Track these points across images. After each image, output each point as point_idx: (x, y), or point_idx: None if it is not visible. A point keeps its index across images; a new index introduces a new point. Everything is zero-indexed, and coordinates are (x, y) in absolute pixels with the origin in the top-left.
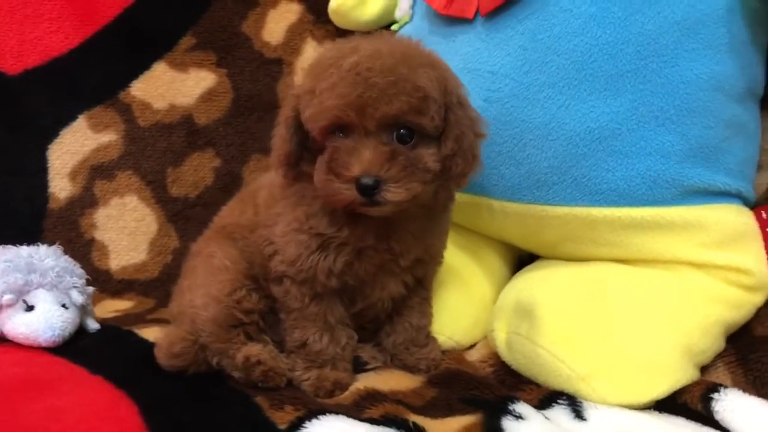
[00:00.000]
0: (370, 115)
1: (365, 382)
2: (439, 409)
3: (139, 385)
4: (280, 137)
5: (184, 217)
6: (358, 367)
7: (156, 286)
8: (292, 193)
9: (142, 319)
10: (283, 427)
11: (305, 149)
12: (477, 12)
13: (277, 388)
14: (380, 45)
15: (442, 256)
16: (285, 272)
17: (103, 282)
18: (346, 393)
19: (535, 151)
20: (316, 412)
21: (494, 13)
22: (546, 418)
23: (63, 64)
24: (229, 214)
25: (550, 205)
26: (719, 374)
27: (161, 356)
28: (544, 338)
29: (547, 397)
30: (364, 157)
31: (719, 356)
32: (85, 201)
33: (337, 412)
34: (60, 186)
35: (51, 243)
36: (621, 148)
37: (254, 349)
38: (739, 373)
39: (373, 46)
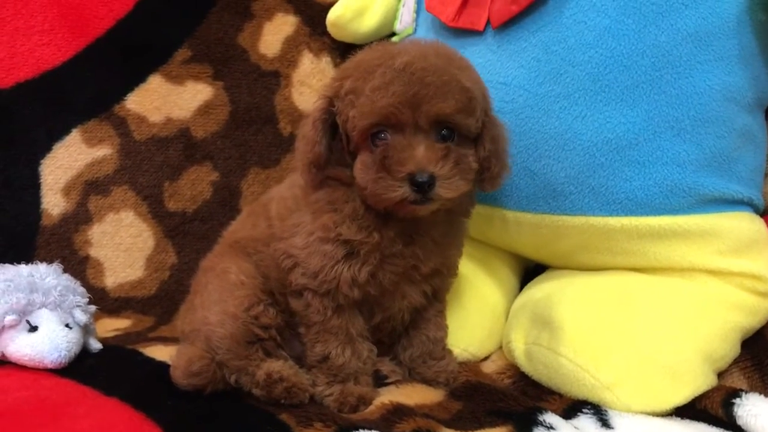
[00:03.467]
0: (425, 113)
1: (388, 396)
2: (467, 422)
3: (159, 406)
4: (309, 140)
5: (182, 233)
6: (378, 380)
7: (154, 304)
8: (312, 202)
9: (144, 337)
10: None
11: (332, 153)
12: (487, 24)
13: (300, 405)
14: (424, 47)
15: (457, 269)
16: (306, 285)
17: (98, 300)
18: (371, 408)
19: (551, 161)
20: (347, 428)
21: (506, 25)
22: (575, 428)
23: (55, 77)
24: (240, 228)
25: (567, 214)
26: (734, 379)
27: (179, 375)
28: (567, 348)
29: (571, 407)
30: (418, 154)
31: (734, 362)
32: (80, 217)
33: (368, 428)
34: (53, 202)
35: (44, 260)
36: (638, 157)
37: (275, 365)
38: (756, 378)
39: (418, 48)
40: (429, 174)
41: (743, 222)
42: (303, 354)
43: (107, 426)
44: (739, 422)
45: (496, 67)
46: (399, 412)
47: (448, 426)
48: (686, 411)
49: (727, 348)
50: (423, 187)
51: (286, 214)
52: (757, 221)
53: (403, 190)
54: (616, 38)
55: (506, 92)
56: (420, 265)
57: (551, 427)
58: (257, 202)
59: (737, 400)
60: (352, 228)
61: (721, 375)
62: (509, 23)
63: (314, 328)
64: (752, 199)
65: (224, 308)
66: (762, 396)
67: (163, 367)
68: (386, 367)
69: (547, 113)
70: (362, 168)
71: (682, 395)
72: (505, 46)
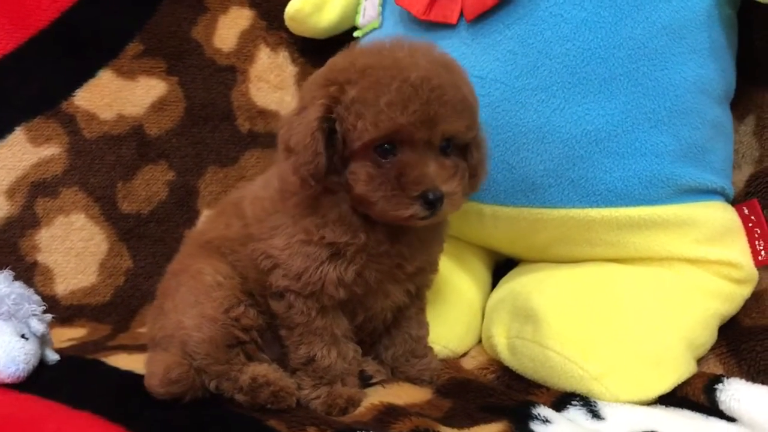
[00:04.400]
0: (440, 132)
1: (377, 396)
2: (461, 419)
3: (136, 417)
4: (311, 151)
5: (137, 235)
6: (363, 381)
7: (109, 311)
8: (291, 206)
9: (102, 346)
10: None
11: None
12: (460, 17)
13: (287, 410)
14: (428, 56)
15: (437, 265)
16: (288, 286)
17: (49, 309)
18: (361, 409)
19: (530, 154)
20: (342, 431)
21: (479, 18)
22: (569, 419)
23: None
24: (211, 228)
25: (546, 207)
26: (710, 365)
27: (155, 383)
28: (553, 341)
29: (560, 400)
30: (432, 172)
31: (710, 349)
32: (26, 221)
33: (363, 429)
34: None
35: None
36: (617, 149)
37: (260, 369)
38: (732, 363)
39: (425, 58)
40: (441, 192)
41: (717, 211)
42: (283, 357)
43: None
44: (722, 407)
45: (470, 60)
46: (392, 412)
47: (445, 424)
48: (668, 399)
49: (708, 335)
50: (434, 204)
51: (263, 215)
52: (729, 210)
53: (415, 208)
54: (593, 31)
55: (482, 86)
56: (405, 264)
57: (547, 420)
58: (226, 201)
59: (719, 386)
60: (337, 231)
61: (698, 362)
62: (483, 16)
63: (297, 329)
64: (724, 188)
65: (201, 311)
66: (743, 380)
67: (131, 376)
68: (371, 367)
69: (524, 106)
70: (368, 181)
71: (667, 383)
72: (480, 39)
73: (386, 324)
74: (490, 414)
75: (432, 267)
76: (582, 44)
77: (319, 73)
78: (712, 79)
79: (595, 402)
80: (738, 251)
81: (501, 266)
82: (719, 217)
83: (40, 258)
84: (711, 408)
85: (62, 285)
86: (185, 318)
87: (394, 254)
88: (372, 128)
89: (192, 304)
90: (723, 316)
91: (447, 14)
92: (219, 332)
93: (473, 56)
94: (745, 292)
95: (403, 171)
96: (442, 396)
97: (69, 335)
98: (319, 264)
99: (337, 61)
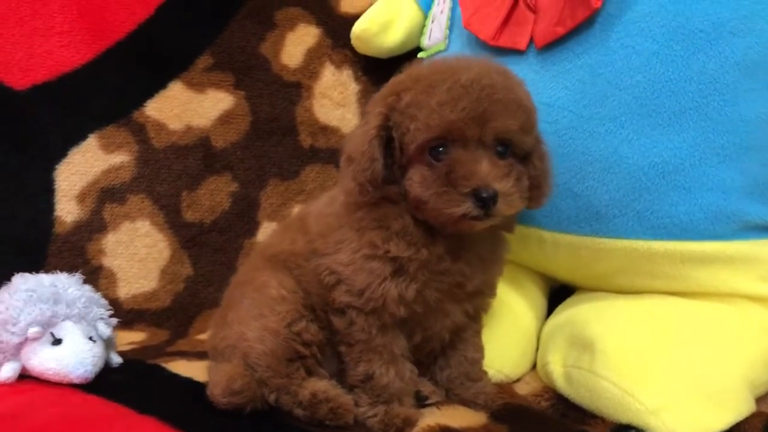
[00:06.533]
0: (491, 130)
1: (432, 418)
2: None
3: (200, 426)
4: (368, 157)
5: (199, 244)
6: (419, 401)
7: (168, 317)
8: (357, 219)
9: (162, 352)
10: None
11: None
12: (530, 44)
13: (345, 427)
14: (484, 64)
15: (496, 288)
16: (350, 302)
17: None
18: (416, 429)
19: (595, 183)
20: None
21: (549, 46)
22: None
23: (73, 81)
24: (277, 242)
25: (609, 237)
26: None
27: (218, 393)
28: (610, 372)
29: (615, 431)
30: (484, 170)
31: None
32: (94, 225)
33: None
34: (67, 209)
35: (54, 269)
36: (684, 183)
37: (320, 385)
38: None
39: (478, 64)
40: (493, 190)
41: None
42: (341, 373)
43: None
44: None
45: (538, 87)
46: None
47: None
48: None
49: None
50: (487, 202)
51: (327, 231)
52: None
53: (467, 206)
54: (664, 63)
55: (549, 113)
56: (465, 283)
57: None
58: (292, 217)
59: None
60: (401, 245)
61: (757, 401)
62: (553, 44)
63: (357, 346)
64: None
65: (264, 324)
66: None
67: (192, 383)
68: (427, 387)
69: (592, 135)
70: (422, 182)
71: (725, 421)
72: (549, 66)
73: (443, 345)
74: None
75: (490, 290)
76: (652, 76)
77: (382, 89)
78: None
79: None
80: None
81: (555, 292)
82: None
83: (106, 262)
84: None
85: (125, 289)
86: (248, 330)
87: (455, 272)
88: (424, 128)
89: (255, 316)
90: None
91: (517, 40)
92: (281, 346)
93: (542, 83)
94: None
95: (454, 168)
96: (497, 421)
97: (130, 339)
98: (382, 280)
99: (398, 76)
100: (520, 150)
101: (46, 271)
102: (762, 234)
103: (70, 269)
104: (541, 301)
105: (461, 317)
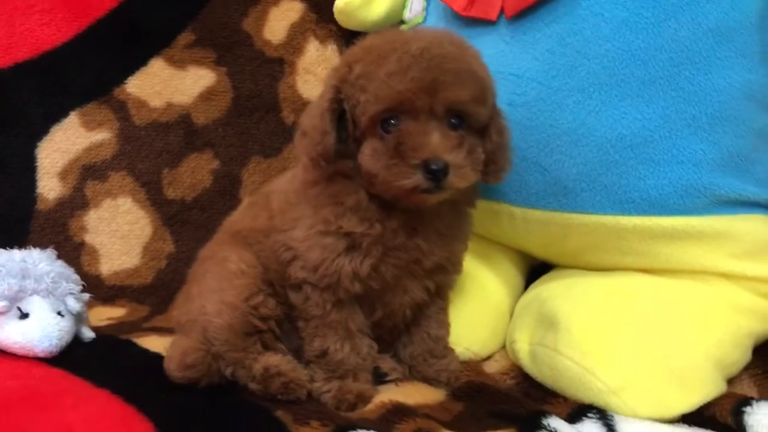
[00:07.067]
0: (442, 100)
1: (388, 394)
2: (469, 423)
3: (150, 400)
4: (320, 131)
5: (180, 221)
6: (378, 378)
7: (149, 293)
8: (313, 195)
9: (138, 327)
10: None
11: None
12: (500, 14)
13: (297, 401)
14: (437, 34)
15: (461, 265)
16: (306, 278)
17: (93, 288)
18: (370, 406)
19: (563, 157)
20: (345, 427)
21: (519, 16)
22: None
23: (54, 59)
24: (241, 218)
25: (577, 212)
26: (744, 387)
27: (173, 367)
28: (574, 351)
29: (576, 411)
30: (434, 141)
31: (744, 369)
32: (76, 202)
33: (366, 428)
34: (49, 186)
35: (38, 246)
36: (653, 155)
37: (273, 359)
38: (766, 386)
39: (430, 34)
40: (443, 162)
41: (759, 224)
42: (301, 348)
43: (95, 419)
44: (749, 431)
45: (508, 58)
46: (399, 411)
47: (449, 428)
48: (694, 418)
49: (739, 354)
50: (437, 174)
51: (286, 207)
52: None
53: (416, 178)
54: (634, 31)
55: (518, 84)
56: (423, 259)
57: None
58: (258, 193)
59: (747, 408)
60: (353, 220)
61: (730, 381)
62: (523, 14)
63: (313, 322)
64: None
65: (222, 297)
66: None
67: (157, 358)
68: (386, 364)
69: (560, 107)
70: (372, 154)
71: (690, 402)
72: (519, 36)
73: (406, 321)
74: (499, 421)
75: (454, 267)
76: (622, 45)
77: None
78: (762, 84)
79: (612, 416)
80: None
81: (536, 270)
82: (761, 231)
83: (88, 238)
84: (737, 431)
85: (107, 265)
86: (208, 303)
87: (411, 248)
88: (374, 99)
89: (215, 290)
90: (758, 336)
91: (487, 10)
92: (238, 319)
93: (511, 54)
94: None
95: (403, 139)
96: (455, 399)
97: (109, 314)
98: (336, 256)
99: (352, 47)
100: (475, 122)
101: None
102: (734, 209)
103: (52, 246)
104: (516, 278)
105: (421, 294)
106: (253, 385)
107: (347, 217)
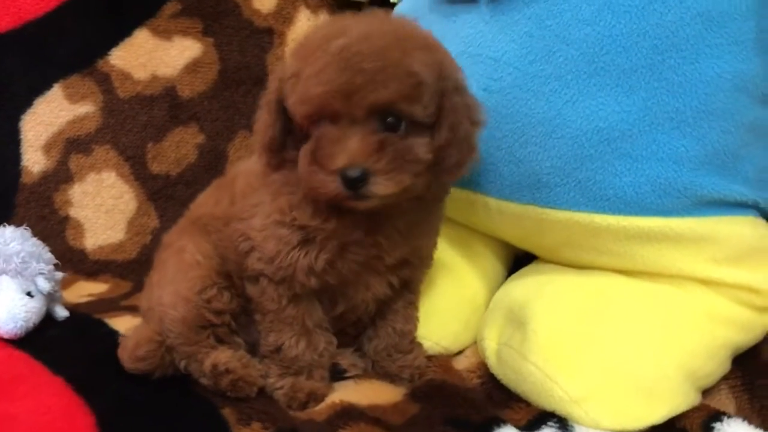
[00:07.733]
0: (357, 103)
1: (342, 393)
2: (419, 428)
3: (99, 392)
4: (263, 122)
5: (165, 196)
6: (336, 374)
7: (133, 268)
8: (272, 181)
9: (116, 305)
10: None
11: (290, 134)
12: None
13: (247, 398)
14: (372, 26)
15: (431, 259)
16: (262, 270)
17: (77, 262)
18: (322, 406)
19: (537, 148)
20: (285, 430)
21: None
22: None
23: (38, 29)
24: (204, 203)
25: (550, 207)
26: (722, 398)
27: (125, 358)
28: (537, 355)
29: (537, 418)
30: (349, 148)
31: (723, 378)
32: (60, 176)
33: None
34: (33, 159)
35: (23, 219)
36: (631, 151)
37: (223, 356)
38: (745, 400)
39: (363, 27)
40: (361, 169)
41: (745, 228)
42: (258, 341)
43: (42, 410)
44: None
45: (487, 39)
46: (347, 414)
47: None
48: (663, 430)
49: (714, 366)
50: (354, 183)
51: (248, 191)
52: (762, 226)
53: (335, 186)
54: (616, 15)
55: (495, 68)
56: (384, 255)
57: None
58: (225, 176)
59: (717, 424)
60: (308, 212)
61: (708, 391)
62: None
63: (269, 316)
64: (758, 202)
65: (177, 289)
66: (744, 422)
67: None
68: (346, 360)
69: (536, 95)
70: (302, 157)
71: (657, 414)
72: (498, 17)
73: (370, 315)
74: (452, 428)
75: (422, 261)
76: (602, 29)
77: None
78: (755, 75)
79: (572, 426)
80: (764, 276)
81: (522, 260)
82: (747, 234)
83: (72, 212)
84: None
85: (91, 240)
86: (164, 294)
87: (370, 244)
88: (299, 102)
89: (171, 281)
90: (737, 346)
91: None
92: (191, 313)
93: (490, 35)
94: (767, 321)
95: (320, 145)
96: (413, 399)
97: (90, 290)
98: (290, 249)
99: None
100: (415, 120)
101: (15, 222)
102: (718, 210)
103: (37, 219)
104: (495, 268)
105: (384, 289)
106: (204, 380)
107: (302, 208)
